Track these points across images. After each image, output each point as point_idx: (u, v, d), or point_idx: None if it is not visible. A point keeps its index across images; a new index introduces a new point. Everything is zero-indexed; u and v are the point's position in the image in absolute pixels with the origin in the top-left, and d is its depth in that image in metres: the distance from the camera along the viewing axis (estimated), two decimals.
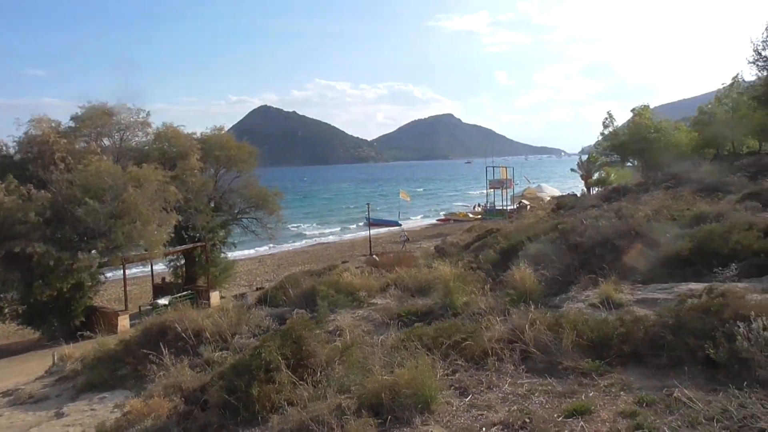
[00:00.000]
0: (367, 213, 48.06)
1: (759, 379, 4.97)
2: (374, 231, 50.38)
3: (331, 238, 55.96)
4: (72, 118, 25.13)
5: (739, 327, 5.42)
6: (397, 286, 11.23)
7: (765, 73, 28.40)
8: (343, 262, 33.30)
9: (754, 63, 28.28)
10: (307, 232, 60.73)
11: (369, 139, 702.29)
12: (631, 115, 46.46)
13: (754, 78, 31.03)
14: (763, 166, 24.03)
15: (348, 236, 56.72)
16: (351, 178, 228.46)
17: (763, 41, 27.52)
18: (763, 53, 27.62)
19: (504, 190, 58.84)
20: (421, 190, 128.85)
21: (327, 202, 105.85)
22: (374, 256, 28.48)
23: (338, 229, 63.60)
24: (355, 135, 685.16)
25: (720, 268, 8.53)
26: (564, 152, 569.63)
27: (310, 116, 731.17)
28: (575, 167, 55.55)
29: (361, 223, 60.92)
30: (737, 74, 39.44)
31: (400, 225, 59.43)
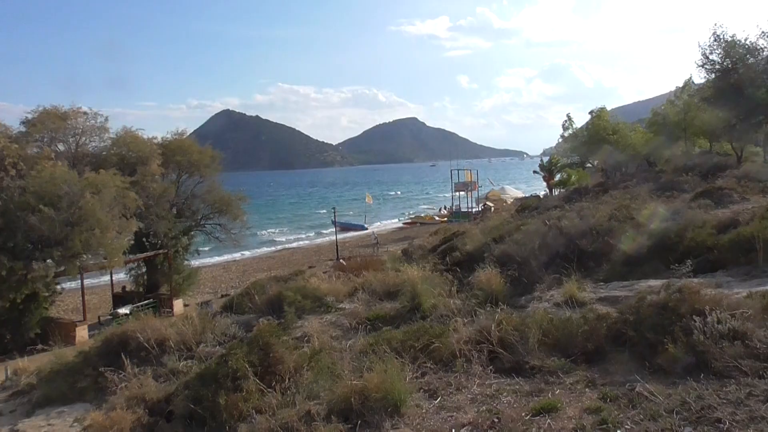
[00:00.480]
0: (333, 217, 47.94)
1: (714, 370, 5.15)
2: (341, 235, 50.26)
3: (297, 244, 55.58)
4: (23, 123, 24.41)
5: (695, 321, 5.64)
6: (364, 290, 11.20)
7: (713, 76, 29.40)
8: (310, 267, 33.05)
9: (702, 66, 29.21)
10: (273, 238, 60.07)
11: (334, 143, 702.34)
12: (589, 117, 47.54)
13: (703, 80, 32.11)
14: (714, 167, 24.96)
15: (315, 241, 56.43)
16: (317, 182, 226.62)
17: (710, 45, 28.59)
18: (710, 57, 28.66)
19: (469, 193, 59.58)
20: (398, 193, 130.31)
21: (293, 207, 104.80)
22: (341, 260, 28.39)
23: (305, 234, 63.10)
24: (320, 139, 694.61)
25: (677, 265, 8.81)
26: (526, 154, 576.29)
27: (274, 120, 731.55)
28: (537, 169, 56.22)
29: (326, 230, 60.66)
30: (689, 77, 40.70)
31: (366, 228, 59.55)
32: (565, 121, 49.14)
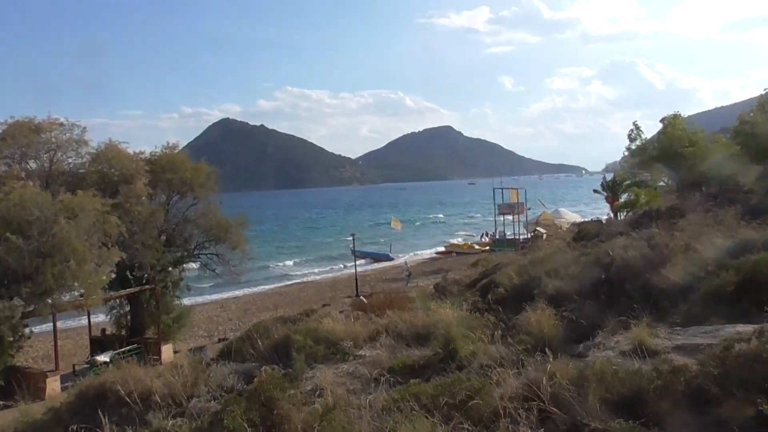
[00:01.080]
0: (352, 246, 48.13)
1: None
2: (362, 267, 50.62)
3: (310, 277, 56.30)
4: None
5: None
6: (389, 333, 11.17)
7: None
8: (324, 306, 32.80)
9: None
10: (281, 271, 60.84)
11: (353, 157, 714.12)
12: (660, 126, 47.13)
13: None
14: None
15: (330, 275, 57.01)
16: (333, 203, 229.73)
17: None
18: None
19: (515, 216, 59.53)
20: (440, 216, 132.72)
21: (304, 234, 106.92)
22: (361, 297, 28.65)
23: (318, 265, 63.90)
24: (336, 152, 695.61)
25: None
26: (585, 170, 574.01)
27: (281, 131, 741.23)
28: (599, 188, 56.11)
29: (344, 262, 60.94)
30: None
31: (392, 259, 60.25)
32: (632, 130, 48.83)
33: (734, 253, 11.58)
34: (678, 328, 8.99)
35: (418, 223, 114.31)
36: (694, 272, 10.91)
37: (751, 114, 42.33)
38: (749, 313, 8.89)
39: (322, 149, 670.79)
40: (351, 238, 47.66)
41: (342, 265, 60.42)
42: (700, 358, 6.76)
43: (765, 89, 41.85)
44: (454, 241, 71.91)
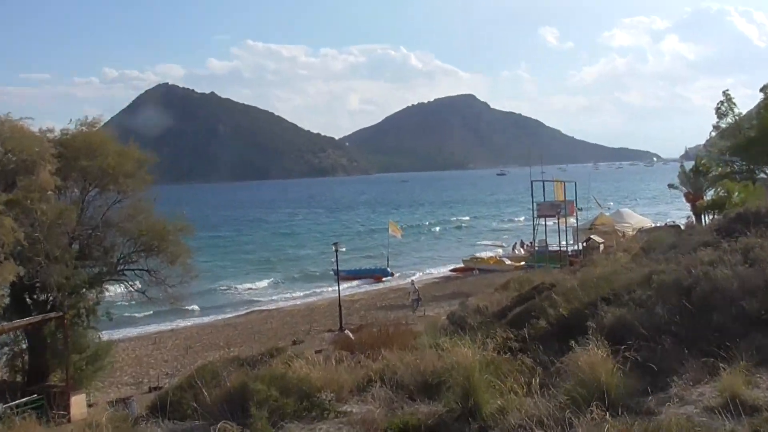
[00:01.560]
0: (334, 259, 47.90)
1: None
2: (351, 290, 50.91)
3: (278, 303, 56.21)
4: None
5: None
6: (385, 381, 11.11)
7: None
8: (295, 343, 33.20)
9: None
10: (239, 295, 61.05)
11: (337, 138, 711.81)
12: (761, 96, 47.29)
13: None
14: None
15: (306, 299, 57.07)
16: (309, 202, 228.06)
17: None
18: None
19: (561, 220, 59.04)
20: (462, 219, 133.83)
21: (272, 242, 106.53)
22: (347, 331, 28.88)
23: (291, 287, 64.09)
24: (315, 130, 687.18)
25: None
26: (657, 157, 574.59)
27: (241, 101, 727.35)
28: (675, 182, 56.48)
29: (327, 282, 60.80)
30: None
31: (391, 274, 60.60)
32: (721, 103, 49.25)
33: None
34: None
35: (427, 230, 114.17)
36: None
37: None
38: None
39: (295, 126, 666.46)
40: (333, 250, 47.33)
41: (324, 288, 59.93)
42: None
43: None
44: (478, 254, 71.53)
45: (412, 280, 52.42)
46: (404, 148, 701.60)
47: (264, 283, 67.55)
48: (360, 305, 48.39)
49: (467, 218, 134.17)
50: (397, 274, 64.00)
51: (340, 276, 49.07)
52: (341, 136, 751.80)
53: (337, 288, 45.90)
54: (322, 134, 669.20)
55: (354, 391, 11.35)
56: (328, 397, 10.81)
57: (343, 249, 68.39)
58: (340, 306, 41.71)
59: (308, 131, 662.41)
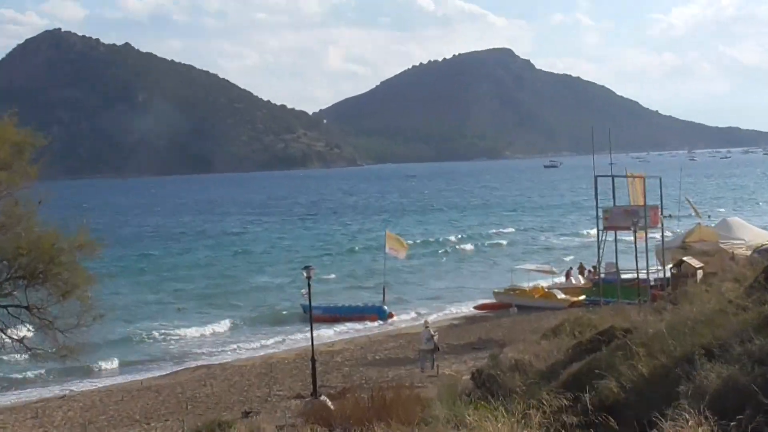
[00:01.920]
0: (305, 292, 42.07)
1: None
2: (328, 336, 49.46)
3: (226, 356, 51.50)
4: None
5: None
6: None
7: None
8: (248, 414, 32.62)
9: None
10: (170, 344, 55.01)
11: (311, 112, 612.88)
12: None
13: None
14: None
15: (266, 350, 52.40)
16: (272, 205, 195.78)
17: None
18: None
19: (641, 233, 54.70)
20: (509, 233, 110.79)
21: (221, 265, 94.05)
22: (323, 397, 29.16)
23: (247, 332, 57.78)
24: (278, 101, 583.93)
25: None
26: None
27: (169, 58, 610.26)
28: None
29: (291, 330, 55.51)
30: None
31: (386, 312, 56.65)
32: None
33: None
34: None
35: (451, 248, 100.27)
36: None
37: None
38: None
39: (250, 95, 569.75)
40: (305, 277, 42.60)
41: (291, 335, 55.35)
42: None
43: None
44: (517, 283, 64.59)
45: (427, 322, 47.26)
46: (408, 129, 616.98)
47: (205, 327, 59.88)
48: (343, 359, 44.61)
49: (511, 230, 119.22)
50: (400, 314, 58.10)
51: (317, 316, 45.62)
52: (317, 110, 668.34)
53: (309, 334, 41.07)
54: (289, 107, 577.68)
55: None
56: None
57: (332, 276, 64.28)
58: (313, 360, 37.98)
59: (268, 102, 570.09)
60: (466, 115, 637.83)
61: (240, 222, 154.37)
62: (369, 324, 55.10)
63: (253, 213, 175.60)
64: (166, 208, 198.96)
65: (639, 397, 13.82)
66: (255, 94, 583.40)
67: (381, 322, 55.75)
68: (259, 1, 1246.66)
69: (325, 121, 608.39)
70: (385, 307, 57.52)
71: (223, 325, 60.77)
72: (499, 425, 11.38)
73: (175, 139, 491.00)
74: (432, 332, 42.27)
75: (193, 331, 58.91)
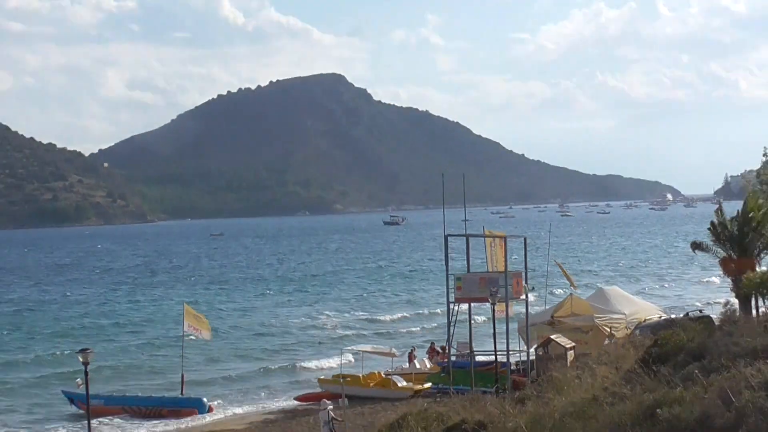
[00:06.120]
0: (80, 380, 32.48)
1: None
2: None
3: None
4: None
5: None
6: None
7: None
8: None
9: None
10: None
11: (87, 153, 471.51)
12: None
13: None
14: None
15: None
16: (30, 269, 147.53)
17: None
18: None
19: (500, 306, 42.29)
20: (329, 312, 74.75)
21: None
22: None
23: None
24: (44, 139, 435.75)
25: None
26: (675, 193, 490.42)
27: None
28: (706, 238, 44.60)
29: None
30: None
31: (208, 408, 41.45)
32: None
33: None
34: None
35: (245, 318, 73.61)
36: None
37: None
38: None
39: (5, 130, 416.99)
40: (82, 362, 29.62)
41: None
42: None
43: None
44: (343, 367, 47.68)
45: (325, 402, 35.48)
46: (212, 175, 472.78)
47: None
48: None
49: (330, 313, 77.25)
50: (218, 406, 42.19)
51: (99, 407, 35.96)
52: (95, 151, 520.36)
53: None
54: (59, 146, 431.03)
55: None
56: None
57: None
58: None
59: (31, 140, 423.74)
60: (288, 157, 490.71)
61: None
62: (187, 419, 40.47)
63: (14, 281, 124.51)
64: None
65: None
66: (12, 128, 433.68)
67: (200, 417, 40.92)
68: (13, 5, 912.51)
69: (105, 164, 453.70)
70: (205, 399, 42.22)
71: None
72: None
73: None
74: (331, 415, 32.57)
75: None
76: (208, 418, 40.00)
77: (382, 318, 71.59)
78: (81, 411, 35.54)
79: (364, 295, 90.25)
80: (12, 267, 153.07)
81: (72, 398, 38.50)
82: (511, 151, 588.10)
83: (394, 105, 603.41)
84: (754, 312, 36.16)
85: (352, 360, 49.03)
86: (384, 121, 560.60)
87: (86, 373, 28.26)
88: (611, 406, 15.02)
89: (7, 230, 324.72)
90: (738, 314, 33.57)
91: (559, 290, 58.66)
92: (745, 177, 51.92)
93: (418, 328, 62.58)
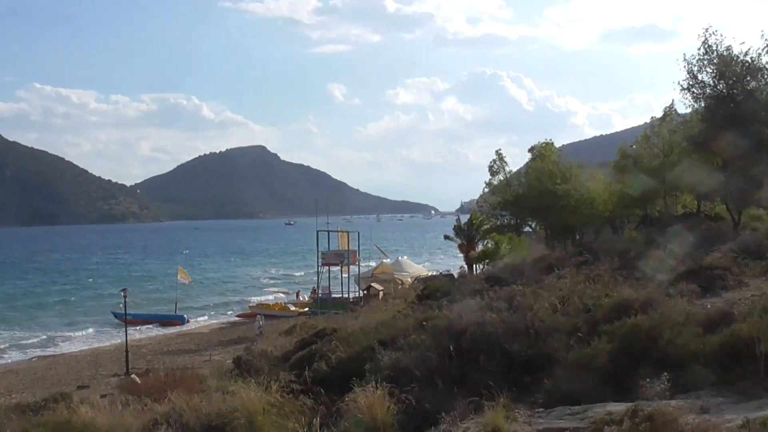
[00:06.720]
0: (123, 304, 46.06)
1: None
2: (140, 335, 50.39)
3: (62, 348, 52.59)
4: None
5: None
6: (171, 424, 11.08)
7: (702, 104, 31.78)
8: (80, 388, 31.97)
9: (688, 89, 31.67)
10: (22, 340, 56.17)
11: (129, 185, 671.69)
12: (529, 156, 50.04)
13: (689, 110, 34.70)
14: (704, 234, 27.17)
15: (91, 345, 53.42)
16: (100, 246, 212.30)
17: (699, 60, 30.97)
18: (699, 76, 31.07)
19: (345, 268, 59.38)
20: (255, 268, 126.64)
21: (53, 287, 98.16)
22: (133, 375, 28.12)
23: (78, 332, 59.24)
24: (106, 177, 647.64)
25: (648, 380, 9.50)
26: (435, 210, 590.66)
27: (26, 144, 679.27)
28: (451, 234, 57.66)
29: (94, 328, 59.30)
30: (670, 104, 43.09)
31: (187, 321, 59.37)
32: (494, 161, 51.49)
33: (609, 316, 12.65)
34: (541, 409, 9.61)
35: (219, 280, 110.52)
36: (563, 340, 11.75)
37: (634, 146, 46.01)
38: (623, 388, 9.80)
39: (86, 172, 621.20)
40: (122, 294, 45.65)
41: (111, 332, 57.01)
42: None
43: (651, 118, 45.72)
44: (263, 299, 70.35)
45: (260, 317, 51.18)
46: (196, 197, 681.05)
47: (40, 326, 62.57)
48: (147, 350, 46.71)
49: (256, 269, 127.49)
50: (193, 320, 62.16)
51: (130, 320, 47.13)
52: (133, 183, 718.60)
53: (125, 333, 43.76)
54: (114, 181, 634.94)
55: None
56: None
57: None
58: (126, 351, 40.10)
59: (99, 177, 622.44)
60: (235, 189, 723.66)
61: (77, 257, 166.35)
62: (173, 327, 58.59)
63: (87, 253, 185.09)
64: (18, 250, 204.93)
65: (341, 372, 13.62)
66: (90, 171, 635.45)
67: (182, 325, 59.61)
68: (92, 108, 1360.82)
69: (138, 191, 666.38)
70: (184, 315, 61.63)
71: (61, 325, 63.74)
72: (249, 392, 10.76)
73: (31, 200, 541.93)
74: (261, 324, 45.20)
75: (36, 333, 60.50)
76: (186, 327, 58.67)
77: (289, 273, 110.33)
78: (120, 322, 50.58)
79: (276, 262, 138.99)
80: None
81: (115, 315, 54.72)
82: (352, 187, 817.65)
83: (292, 162, 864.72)
84: (474, 271, 48.27)
85: (271, 297, 70.96)
86: (286, 171, 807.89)
87: (125, 302, 44.64)
88: (401, 320, 17.48)
89: (77, 224, 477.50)
90: (466, 273, 47.24)
91: (373, 262, 77.43)
92: (472, 203, 66.69)
93: (304, 278, 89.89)
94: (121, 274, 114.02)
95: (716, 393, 9.24)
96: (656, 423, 6.91)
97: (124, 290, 45.41)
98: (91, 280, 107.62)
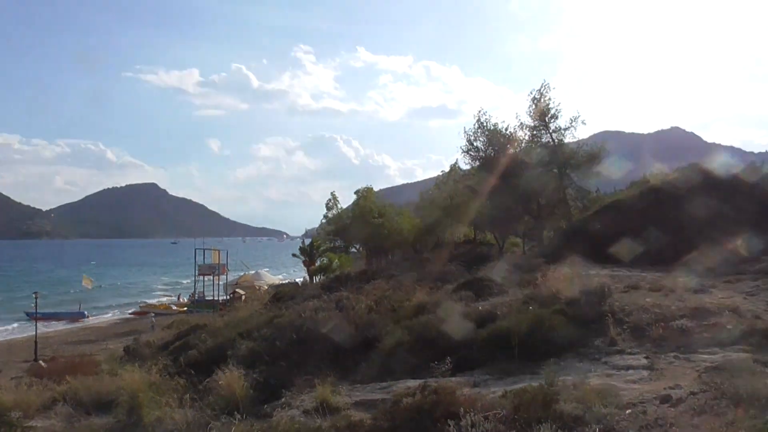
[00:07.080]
0: (34, 305, 42.68)
1: None
2: (47, 329, 46.51)
3: None
4: None
5: (449, 426, 6.20)
6: (68, 401, 10.55)
7: (477, 163, 34.01)
8: None
9: (467, 152, 33.76)
10: None
11: (44, 209, 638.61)
12: (354, 197, 50.67)
13: (468, 166, 36.91)
14: (477, 256, 28.35)
15: (9, 337, 49.38)
16: (15, 257, 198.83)
17: (474, 132, 33.12)
18: (475, 143, 33.23)
19: (216, 277, 58.20)
20: (142, 277, 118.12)
21: None
22: (40, 361, 26.45)
23: None
24: (25, 203, 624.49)
25: (436, 363, 9.60)
26: (286, 235, 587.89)
27: None
28: (297, 252, 57.76)
29: (18, 323, 54.29)
30: (455, 162, 45.54)
31: (87, 317, 56.01)
32: (330, 200, 51.77)
33: (409, 314, 12.90)
34: (358, 385, 9.64)
35: (119, 286, 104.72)
36: (376, 333, 11.87)
37: (430, 192, 48.28)
38: (420, 368, 9.90)
39: (8, 198, 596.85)
40: (34, 297, 42.33)
41: (27, 326, 52.98)
42: (375, 413, 7.37)
43: (441, 171, 48.33)
44: (151, 301, 68.04)
45: (152, 315, 49.43)
46: (101, 221, 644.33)
47: None
48: (53, 341, 43.16)
49: (150, 277, 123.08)
50: (94, 317, 58.06)
51: (39, 318, 43.82)
52: (48, 208, 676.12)
53: (35, 328, 40.55)
54: (32, 206, 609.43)
55: (40, 409, 10.54)
56: (17, 415, 9.88)
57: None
58: (36, 341, 37.08)
59: (19, 203, 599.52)
60: (132, 215, 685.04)
61: None
62: (76, 322, 53.80)
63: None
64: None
65: (209, 358, 13.25)
66: (12, 198, 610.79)
67: (83, 320, 55.04)
68: (16, 148, 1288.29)
69: (53, 215, 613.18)
70: (85, 312, 57.41)
71: None
72: (134, 374, 10.47)
73: None
74: (153, 321, 43.49)
75: None
76: (88, 322, 53.79)
77: (178, 281, 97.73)
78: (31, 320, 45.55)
79: (166, 272, 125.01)
80: None
81: (27, 314, 49.54)
82: (225, 217, 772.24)
83: (178, 197, 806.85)
84: (314, 281, 46.71)
85: (163, 299, 67.94)
86: (174, 204, 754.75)
87: (36, 302, 40.61)
88: (257, 317, 17.29)
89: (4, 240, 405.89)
90: (308, 282, 46.37)
91: (239, 273, 72.74)
92: (313, 230, 66.67)
93: (190, 285, 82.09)
94: (37, 279, 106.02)
95: (485, 372, 9.50)
96: (440, 395, 7.00)
97: (35, 293, 42.16)
98: (14, 284, 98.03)
